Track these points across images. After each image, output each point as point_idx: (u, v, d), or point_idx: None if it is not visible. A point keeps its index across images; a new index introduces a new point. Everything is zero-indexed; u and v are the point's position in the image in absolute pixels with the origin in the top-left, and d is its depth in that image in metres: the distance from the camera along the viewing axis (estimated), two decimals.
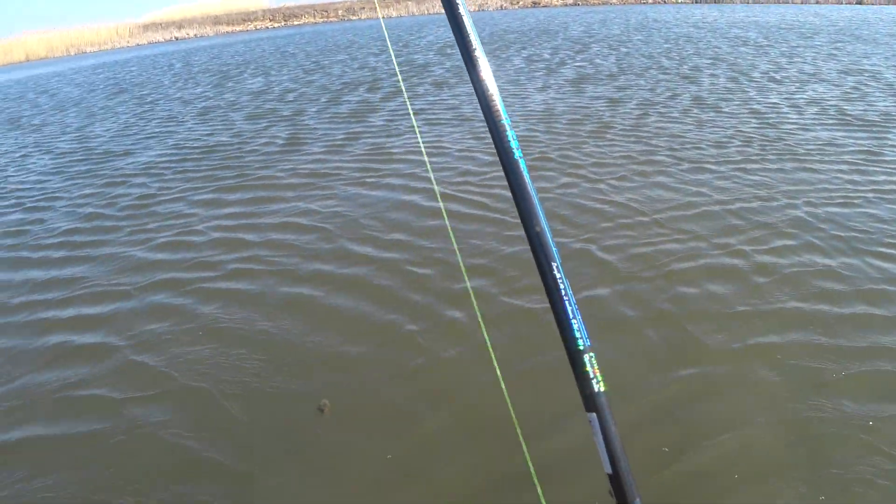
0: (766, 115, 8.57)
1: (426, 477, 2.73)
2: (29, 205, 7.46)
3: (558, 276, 1.06)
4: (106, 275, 5.17)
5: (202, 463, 2.97)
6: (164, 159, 8.87)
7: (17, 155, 10.68)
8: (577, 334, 1.05)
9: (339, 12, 67.06)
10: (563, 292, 1.06)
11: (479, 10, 50.05)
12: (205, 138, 9.93)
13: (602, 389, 1.05)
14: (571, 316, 1.05)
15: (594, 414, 1.04)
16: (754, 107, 9.12)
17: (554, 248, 1.08)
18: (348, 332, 3.95)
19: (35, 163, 9.86)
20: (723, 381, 3.25)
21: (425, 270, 4.62)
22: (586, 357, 1.05)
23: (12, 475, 3.02)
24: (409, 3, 61.25)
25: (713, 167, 6.51)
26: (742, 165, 6.53)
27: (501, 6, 52.46)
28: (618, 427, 1.04)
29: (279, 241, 5.45)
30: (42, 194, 7.87)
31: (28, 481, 2.97)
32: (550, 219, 5.30)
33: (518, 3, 53.03)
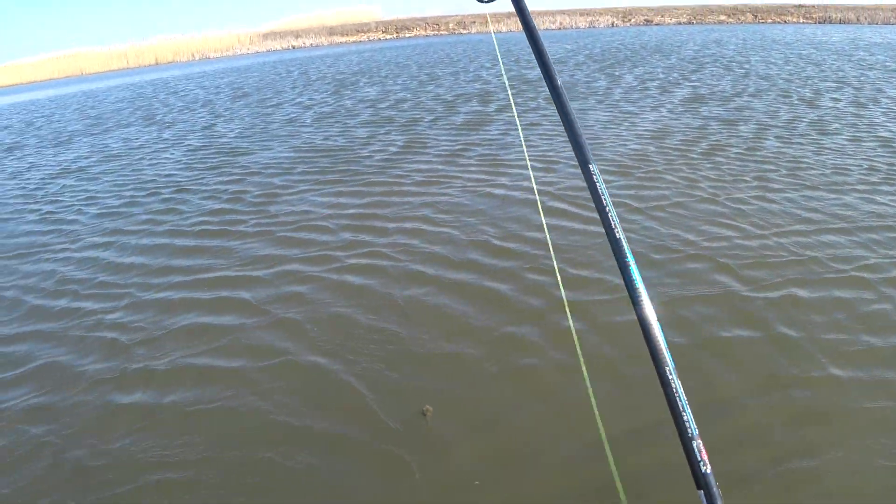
0: (894, 143, 8.28)
1: (513, 484, 2.90)
2: (172, 189, 8.30)
3: (671, 377, 1.29)
4: (251, 248, 5.81)
5: (337, 409, 3.40)
6: (288, 157, 9.55)
7: (156, 148, 11.73)
8: (688, 425, 1.26)
9: (450, 25, 68.30)
10: (675, 389, 1.28)
11: (589, 28, 49.90)
12: (326, 140, 10.58)
13: (709, 471, 1.23)
14: (682, 409, 1.27)
15: (702, 492, 1.23)
16: (881, 134, 8.81)
17: (668, 355, 1.31)
18: (460, 322, 4.27)
19: (172, 155, 10.84)
20: (833, 404, 3.28)
21: (532, 273, 4.87)
22: (695, 444, 1.24)
23: (220, 394, 3.65)
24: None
25: (834, 192, 6.41)
26: (866, 192, 6.39)
27: (612, 23, 52.04)
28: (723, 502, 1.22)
29: (403, 232, 5.87)
30: (182, 181, 8.75)
31: (232, 399, 3.58)
32: (668, 226, 5.50)
33: (630, 20, 52.45)
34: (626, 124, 10.11)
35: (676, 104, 11.83)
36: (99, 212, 7.71)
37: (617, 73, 17.03)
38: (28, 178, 10.37)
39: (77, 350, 4.29)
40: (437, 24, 70.80)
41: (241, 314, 4.55)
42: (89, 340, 4.40)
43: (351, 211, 6.64)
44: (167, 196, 8.04)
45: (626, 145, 8.62)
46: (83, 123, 17.83)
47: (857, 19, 40.62)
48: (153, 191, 8.40)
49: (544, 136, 9.54)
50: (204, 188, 8.23)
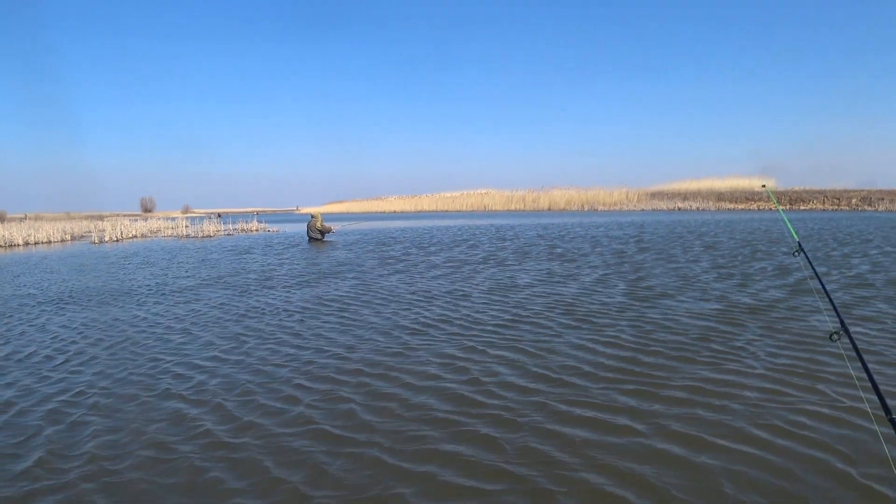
0: None
1: None
2: (626, 317, 8.70)
3: None
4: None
5: None
6: (713, 309, 9.58)
7: (590, 283, 12.74)
8: None
9: (853, 201, 63.16)
10: None
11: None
12: (742, 298, 10.21)
13: None
14: None
15: None
16: None
17: None
18: None
19: (607, 290, 11.62)
20: None
21: None
22: None
23: None
24: None
25: None
26: None
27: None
28: None
29: None
30: (631, 313, 9.06)
31: None
32: None
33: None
34: None
35: None
36: (568, 322, 8.59)
37: None
38: (479, 286, 12.28)
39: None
40: (838, 199, 66.05)
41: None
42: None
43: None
44: (619, 324, 8.62)
45: None
46: (510, 252, 20.52)
47: None
48: (587, 318, 9.00)
49: None
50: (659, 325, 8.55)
